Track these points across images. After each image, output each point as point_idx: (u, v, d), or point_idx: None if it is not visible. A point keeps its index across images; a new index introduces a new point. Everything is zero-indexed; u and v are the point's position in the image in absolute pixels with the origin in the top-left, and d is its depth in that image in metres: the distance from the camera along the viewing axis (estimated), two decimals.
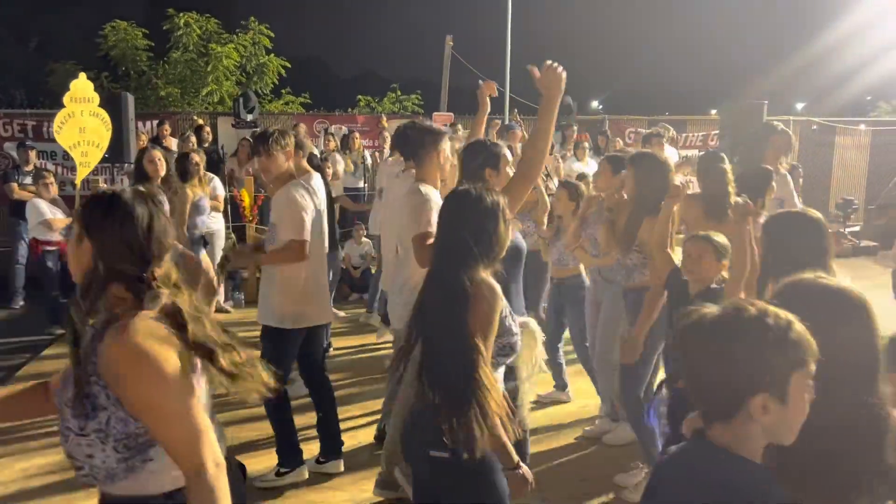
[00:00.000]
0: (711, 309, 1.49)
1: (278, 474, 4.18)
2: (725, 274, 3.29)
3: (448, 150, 3.72)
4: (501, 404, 2.23)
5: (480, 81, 3.71)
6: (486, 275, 2.32)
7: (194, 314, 1.74)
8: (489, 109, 3.69)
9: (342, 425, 4.62)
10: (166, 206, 1.93)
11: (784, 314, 1.45)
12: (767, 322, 1.42)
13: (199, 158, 6.47)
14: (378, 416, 4.96)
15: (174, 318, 1.70)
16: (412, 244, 3.36)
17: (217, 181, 7.51)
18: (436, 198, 3.45)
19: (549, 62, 2.91)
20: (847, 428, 1.69)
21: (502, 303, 2.32)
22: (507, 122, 12.39)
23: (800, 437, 1.48)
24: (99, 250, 1.75)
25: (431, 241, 2.98)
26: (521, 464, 2.34)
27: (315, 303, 4.20)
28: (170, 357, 1.65)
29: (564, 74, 2.92)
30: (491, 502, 2.33)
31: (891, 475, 1.71)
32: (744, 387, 1.41)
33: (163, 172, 5.70)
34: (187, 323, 1.70)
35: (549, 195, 5.71)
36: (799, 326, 1.44)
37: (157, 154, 5.75)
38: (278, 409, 4.12)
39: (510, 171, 3.23)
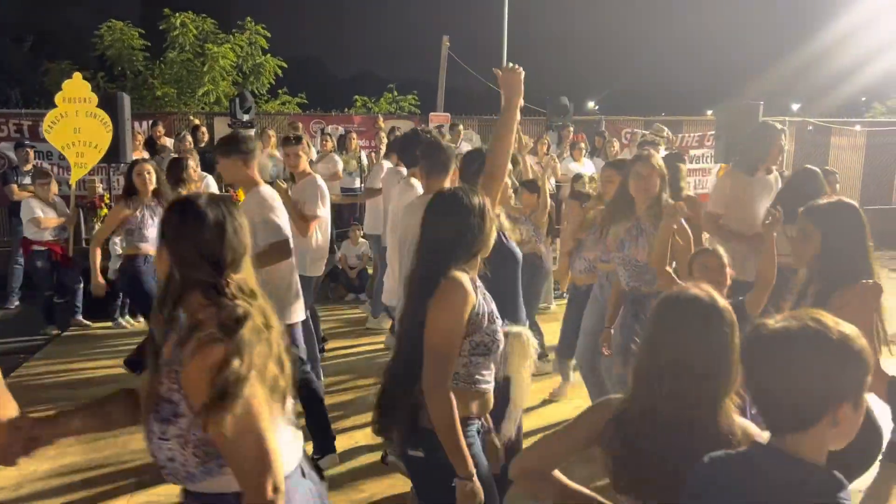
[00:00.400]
0: (776, 323, 1.51)
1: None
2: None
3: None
4: (451, 406, 2.24)
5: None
6: (462, 273, 2.34)
7: (258, 328, 1.74)
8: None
9: (338, 425, 4.61)
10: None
11: (845, 323, 1.49)
12: (844, 332, 1.45)
13: (193, 163, 6.38)
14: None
15: (242, 330, 1.70)
16: None
17: (210, 179, 7.47)
18: None
19: (508, 64, 2.97)
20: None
21: (471, 299, 2.32)
22: None
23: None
24: (174, 258, 1.76)
25: None
26: (475, 478, 2.28)
27: (284, 302, 4.22)
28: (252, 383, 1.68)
29: (523, 75, 2.96)
30: None
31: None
32: (831, 397, 1.43)
33: (152, 186, 5.65)
34: (242, 347, 1.68)
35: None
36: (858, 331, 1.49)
37: (147, 167, 5.68)
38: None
39: (509, 179, 3.26)
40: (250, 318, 1.72)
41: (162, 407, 1.70)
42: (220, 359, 1.63)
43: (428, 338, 2.28)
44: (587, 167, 9.93)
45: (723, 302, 1.81)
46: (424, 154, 3.89)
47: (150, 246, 5.47)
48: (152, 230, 5.52)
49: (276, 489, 1.68)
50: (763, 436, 1.62)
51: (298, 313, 4.33)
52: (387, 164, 7.23)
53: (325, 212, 5.47)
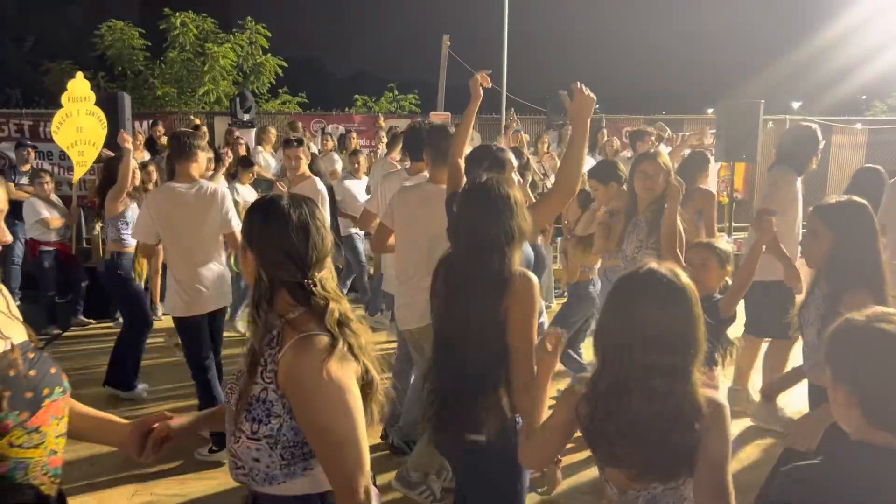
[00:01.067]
0: (863, 317, 1.57)
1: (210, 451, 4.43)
2: (729, 280, 3.30)
3: None
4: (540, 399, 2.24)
5: (476, 74, 3.69)
6: (521, 267, 2.42)
7: (355, 325, 1.78)
8: (481, 99, 3.68)
9: None
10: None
11: None
12: None
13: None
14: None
15: (339, 328, 1.73)
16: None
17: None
18: None
19: (578, 85, 2.93)
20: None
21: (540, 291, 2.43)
22: (504, 121, 12.41)
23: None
24: (260, 259, 1.77)
25: None
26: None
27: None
28: (352, 384, 1.70)
29: (594, 97, 2.95)
30: (515, 489, 2.39)
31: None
32: None
33: (135, 182, 5.87)
34: (350, 339, 1.74)
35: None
36: None
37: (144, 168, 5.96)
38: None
39: (515, 176, 3.24)
40: (352, 319, 1.77)
41: (255, 407, 1.71)
42: (325, 355, 1.66)
43: (517, 334, 2.33)
44: (589, 164, 9.90)
45: (684, 278, 1.85)
46: (431, 141, 3.87)
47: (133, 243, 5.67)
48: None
49: (367, 492, 1.69)
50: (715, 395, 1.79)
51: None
52: (381, 166, 7.30)
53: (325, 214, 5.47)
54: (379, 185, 5.30)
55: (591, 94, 2.94)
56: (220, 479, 4.22)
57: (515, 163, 3.33)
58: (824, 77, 38.59)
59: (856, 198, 2.83)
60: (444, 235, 3.51)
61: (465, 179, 3.35)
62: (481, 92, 3.61)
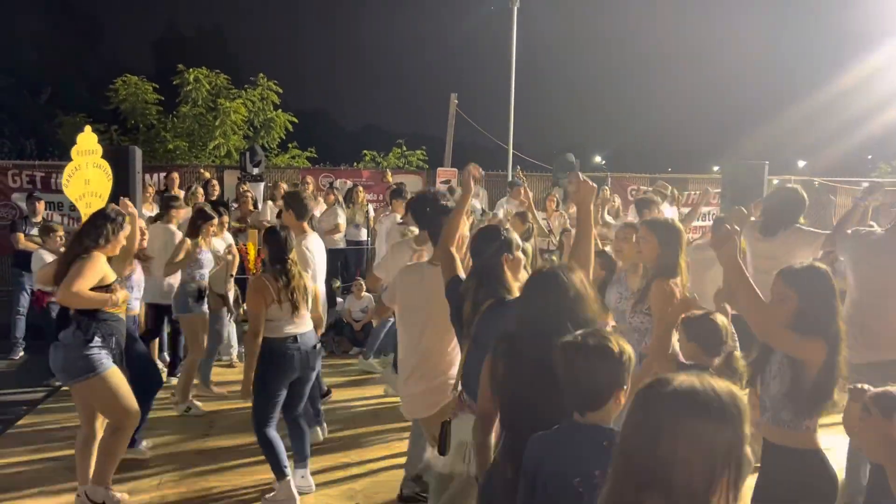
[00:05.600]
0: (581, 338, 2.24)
1: None
2: None
3: (466, 230, 3.82)
4: None
5: (469, 166, 3.84)
6: None
7: None
8: (472, 192, 3.84)
9: (336, 475, 4.58)
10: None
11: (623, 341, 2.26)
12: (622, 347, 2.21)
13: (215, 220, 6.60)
14: (372, 466, 5.08)
15: None
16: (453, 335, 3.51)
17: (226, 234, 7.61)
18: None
19: (581, 177, 3.18)
20: None
21: None
22: (510, 178, 12.52)
23: None
24: None
25: None
26: None
27: None
28: None
29: (595, 186, 3.19)
30: None
31: None
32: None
33: (143, 245, 5.93)
34: None
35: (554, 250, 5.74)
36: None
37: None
38: None
39: (520, 255, 3.30)
40: None
41: None
42: None
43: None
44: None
45: (564, 275, 2.57)
46: (431, 222, 3.93)
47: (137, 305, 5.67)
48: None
49: None
50: None
51: None
52: (387, 222, 7.40)
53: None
54: (388, 253, 5.34)
55: (593, 184, 3.16)
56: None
57: (520, 243, 3.37)
58: (829, 133, 38.91)
59: (816, 263, 3.06)
60: (439, 319, 3.53)
61: (457, 264, 3.47)
62: (472, 185, 3.76)
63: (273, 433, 4.51)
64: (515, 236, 3.36)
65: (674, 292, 3.68)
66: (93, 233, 4.30)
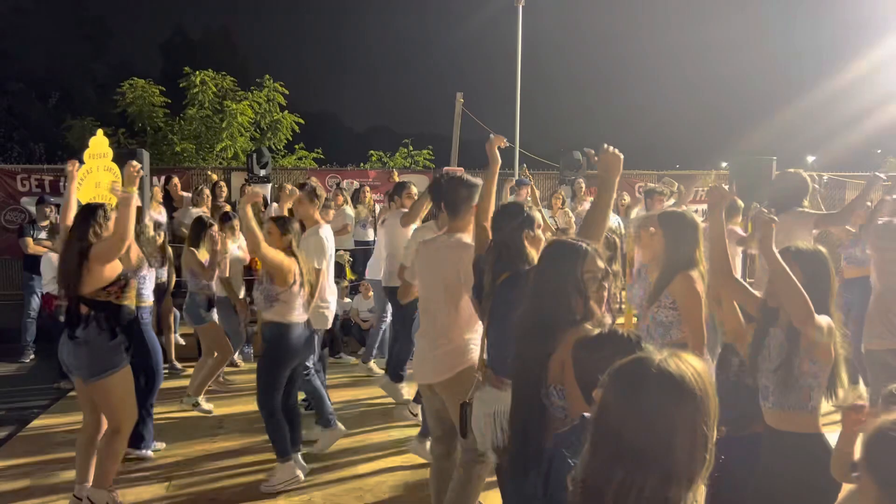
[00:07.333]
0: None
1: None
2: None
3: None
4: None
5: (491, 136, 3.80)
6: None
7: None
8: (500, 162, 3.81)
9: (342, 473, 4.71)
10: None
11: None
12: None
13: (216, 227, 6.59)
14: (380, 465, 5.10)
15: None
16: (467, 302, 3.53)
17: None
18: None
19: (606, 146, 3.02)
20: None
21: None
22: (517, 176, 12.50)
23: None
24: None
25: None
26: None
27: None
28: None
29: (621, 156, 3.02)
30: None
31: None
32: None
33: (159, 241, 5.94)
34: None
35: None
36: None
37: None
38: None
39: (541, 234, 3.29)
40: None
41: None
42: None
43: None
44: (612, 221, 9.84)
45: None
46: (446, 193, 3.87)
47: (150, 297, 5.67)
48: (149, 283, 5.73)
49: None
50: None
51: None
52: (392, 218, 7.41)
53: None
54: (412, 247, 5.38)
55: (619, 154, 3.01)
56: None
57: (541, 221, 3.35)
58: (837, 128, 38.65)
59: (819, 246, 3.05)
60: (456, 286, 3.54)
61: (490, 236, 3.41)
62: (498, 154, 3.72)
63: (281, 415, 4.72)
64: (538, 214, 3.35)
65: (696, 285, 3.65)
66: (83, 227, 4.26)
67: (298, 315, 4.74)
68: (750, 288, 3.26)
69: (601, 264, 2.55)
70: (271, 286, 4.66)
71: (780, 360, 2.86)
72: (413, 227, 6.23)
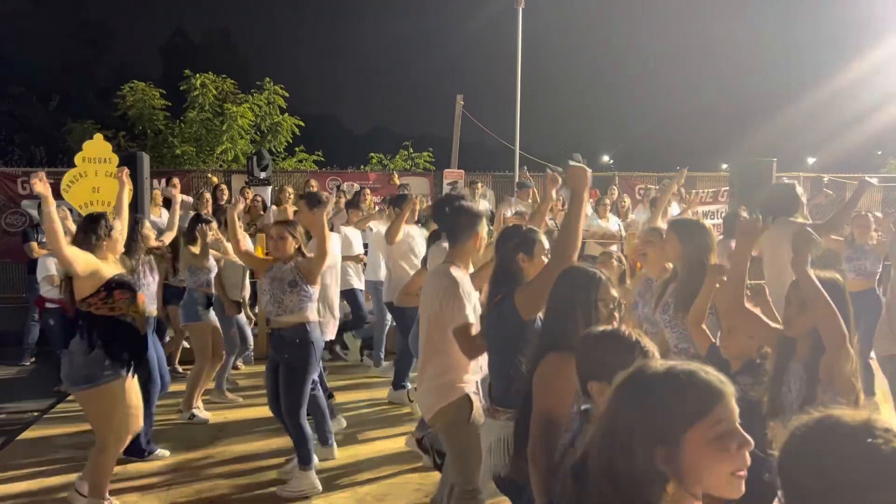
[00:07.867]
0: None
1: None
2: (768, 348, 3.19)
3: (485, 234, 3.70)
4: None
5: (549, 173, 3.93)
6: None
7: None
8: (553, 201, 3.91)
9: (343, 480, 4.54)
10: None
11: None
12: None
13: (213, 227, 6.56)
14: (382, 470, 5.09)
15: None
16: (454, 337, 3.39)
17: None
18: (466, 285, 3.46)
19: (574, 163, 3.27)
20: None
21: None
22: (517, 178, 12.50)
23: None
24: None
25: (474, 332, 3.30)
26: None
27: None
28: None
29: (588, 169, 3.09)
30: None
31: None
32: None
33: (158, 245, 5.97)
34: None
35: None
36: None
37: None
38: None
39: (545, 258, 3.21)
40: None
41: None
42: None
43: None
44: (613, 224, 9.81)
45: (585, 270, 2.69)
46: (445, 222, 3.78)
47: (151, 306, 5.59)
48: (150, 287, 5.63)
49: None
50: None
51: None
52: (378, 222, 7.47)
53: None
54: (429, 260, 5.43)
55: (585, 167, 3.10)
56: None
57: (547, 246, 3.30)
58: (837, 129, 38.61)
59: (836, 275, 2.95)
60: (438, 316, 3.45)
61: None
62: (553, 194, 3.99)
63: (307, 422, 4.75)
64: (541, 237, 3.30)
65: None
66: (80, 236, 4.28)
67: (315, 313, 4.84)
68: (764, 317, 3.18)
69: (615, 293, 2.65)
70: (305, 287, 4.69)
71: (801, 398, 2.73)
72: (415, 232, 6.26)
